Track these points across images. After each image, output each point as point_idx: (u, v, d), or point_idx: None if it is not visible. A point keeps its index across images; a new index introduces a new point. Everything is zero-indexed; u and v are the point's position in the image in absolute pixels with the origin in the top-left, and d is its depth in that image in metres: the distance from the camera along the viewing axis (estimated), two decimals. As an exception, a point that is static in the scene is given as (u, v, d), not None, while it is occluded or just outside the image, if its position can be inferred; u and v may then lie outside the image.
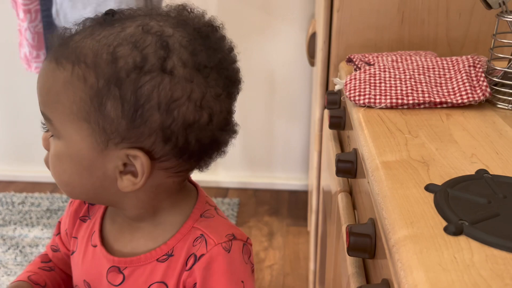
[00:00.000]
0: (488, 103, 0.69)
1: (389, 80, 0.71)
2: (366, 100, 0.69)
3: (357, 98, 0.70)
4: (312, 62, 1.31)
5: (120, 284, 0.53)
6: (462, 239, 0.40)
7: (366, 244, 0.49)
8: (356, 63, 0.81)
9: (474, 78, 0.69)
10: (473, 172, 0.50)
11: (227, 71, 0.50)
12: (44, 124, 0.51)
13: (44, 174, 2.01)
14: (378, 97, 0.69)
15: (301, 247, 1.58)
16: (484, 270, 0.36)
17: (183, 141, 0.47)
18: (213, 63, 0.48)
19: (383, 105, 0.68)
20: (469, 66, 0.71)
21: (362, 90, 0.70)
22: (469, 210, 0.44)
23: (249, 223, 1.69)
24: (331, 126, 0.81)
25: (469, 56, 0.74)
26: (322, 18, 0.93)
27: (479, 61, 0.72)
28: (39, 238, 1.64)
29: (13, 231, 1.68)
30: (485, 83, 0.68)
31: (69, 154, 0.48)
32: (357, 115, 0.68)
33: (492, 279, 0.35)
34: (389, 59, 0.78)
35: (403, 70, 0.73)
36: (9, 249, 1.59)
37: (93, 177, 0.48)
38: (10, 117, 1.97)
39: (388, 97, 0.68)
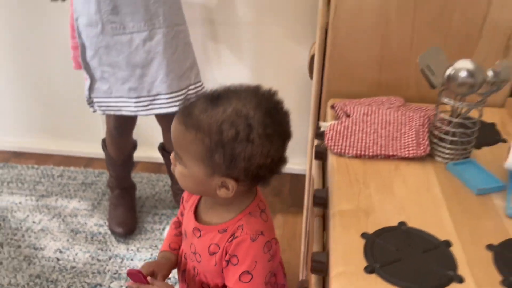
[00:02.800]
0: (430, 156, 0.92)
1: (358, 133, 0.95)
2: (339, 150, 0.93)
3: (332, 146, 0.94)
4: (311, 77, 1.52)
5: (198, 237, 0.87)
6: (373, 277, 0.66)
7: (322, 268, 0.74)
8: (337, 111, 1.04)
9: (421, 136, 0.92)
10: (396, 224, 0.75)
11: (285, 134, 0.79)
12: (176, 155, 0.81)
13: (78, 149, 2.29)
14: (347, 148, 0.93)
15: (298, 226, 1.85)
16: (380, 299, 0.62)
17: (255, 174, 0.77)
18: (277, 133, 0.77)
19: (350, 154, 0.92)
20: (419, 125, 0.94)
21: (337, 140, 0.94)
22: (383, 255, 0.69)
23: (255, 203, 1.97)
24: (316, 157, 1.05)
25: (422, 114, 0.97)
26: (316, 67, 1.15)
27: (428, 119, 0.95)
28: (77, 209, 1.94)
29: (55, 201, 1.98)
30: (427, 142, 0.91)
31: (190, 176, 0.80)
32: (331, 161, 0.92)
33: (382, 305, 0.61)
34: (362, 111, 1.01)
35: (370, 124, 0.97)
36: (53, 217, 1.89)
37: (202, 187, 0.81)
38: (48, 97, 2.21)
39: (354, 148, 0.92)
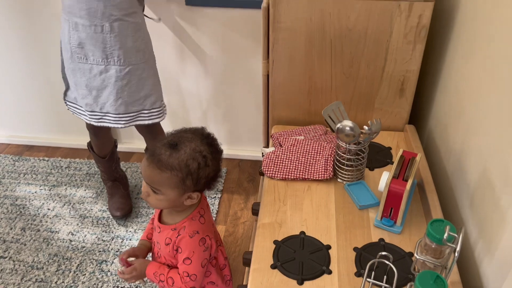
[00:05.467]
0: (335, 178, 1.29)
1: (285, 161, 1.31)
2: (270, 174, 1.29)
3: (266, 171, 1.30)
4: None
5: (158, 232, 1.22)
6: (276, 271, 1.04)
7: (248, 263, 1.12)
8: (274, 141, 1.40)
9: (328, 163, 1.29)
10: (298, 233, 1.13)
11: (220, 152, 1.15)
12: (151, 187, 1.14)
13: (81, 143, 2.65)
14: (276, 173, 1.29)
15: (267, 208, 2.24)
16: (277, 285, 1.01)
17: (209, 184, 1.14)
18: (218, 156, 1.13)
19: (278, 178, 1.29)
20: (328, 155, 1.30)
21: (269, 166, 1.31)
22: (284, 255, 1.07)
23: (232, 188, 2.35)
24: (260, 174, 1.41)
25: (332, 145, 1.33)
26: (262, 102, 1.49)
27: (335, 151, 1.31)
28: (84, 197, 2.32)
29: (65, 190, 2.37)
30: (331, 168, 1.27)
31: (166, 200, 1.12)
32: (265, 182, 1.29)
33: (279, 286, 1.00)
34: (290, 142, 1.36)
35: (294, 153, 1.33)
36: (64, 205, 2.28)
37: (173, 204, 1.14)
38: (55, 96, 2.54)
39: (281, 173, 1.29)
